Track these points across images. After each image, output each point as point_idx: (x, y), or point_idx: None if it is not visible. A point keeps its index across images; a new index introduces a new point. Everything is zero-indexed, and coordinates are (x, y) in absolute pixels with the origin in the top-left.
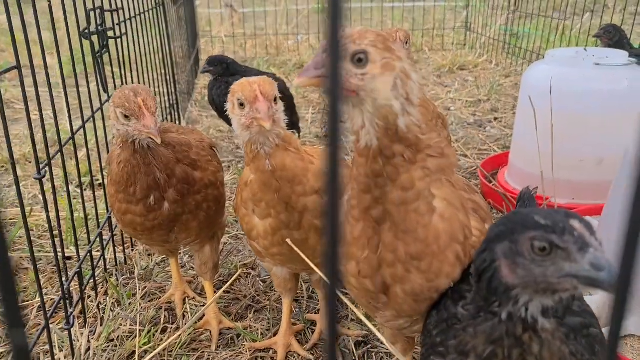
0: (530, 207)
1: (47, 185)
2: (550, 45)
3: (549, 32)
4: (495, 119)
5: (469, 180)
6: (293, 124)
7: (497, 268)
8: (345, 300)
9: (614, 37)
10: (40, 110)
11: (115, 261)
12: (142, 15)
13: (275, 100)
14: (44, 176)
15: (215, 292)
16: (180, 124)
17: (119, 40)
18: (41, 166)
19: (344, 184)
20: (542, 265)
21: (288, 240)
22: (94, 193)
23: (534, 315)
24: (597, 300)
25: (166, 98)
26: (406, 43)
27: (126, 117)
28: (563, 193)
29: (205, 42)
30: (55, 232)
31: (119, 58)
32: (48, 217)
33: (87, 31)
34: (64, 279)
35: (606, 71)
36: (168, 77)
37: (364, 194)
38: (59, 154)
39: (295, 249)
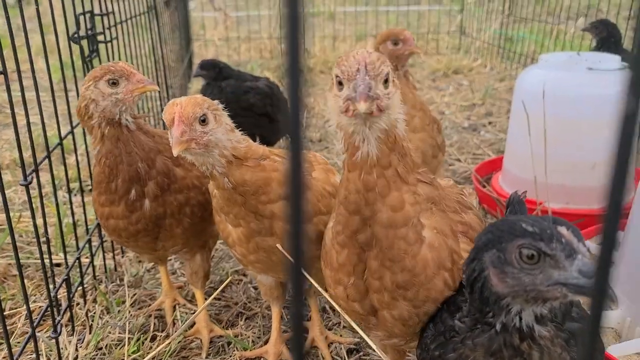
0: (519, 211)
1: (38, 191)
2: (544, 49)
3: (542, 36)
4: (490, 123)
5: (463, 186)
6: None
7: (486, 277)
8: (338, 308)
9: (601, 32)
10: (27, 116)
11: (105, 268)
12: (134, 19)
13: (204, 120)
14: (30, 183)
15: (205, 299)
16: None
17: (109, 44)
18: (28, 172)
19: (310, 186)
20: (531, 274)
21: (278, 245)
22: (82, 199)
23: (528, 323)
24: (617, 317)
25: (158, 102)
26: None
27: (114, 84)
28: (557, 198)
29: (199, 45)
30: (43, 239)
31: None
32: (34, 223)
33: (76, 35)
34: (51, 286)
35: (599, 76)
36: (160, 81)
37: (352, 215)
38: (47, 159)
39: (286, 254)
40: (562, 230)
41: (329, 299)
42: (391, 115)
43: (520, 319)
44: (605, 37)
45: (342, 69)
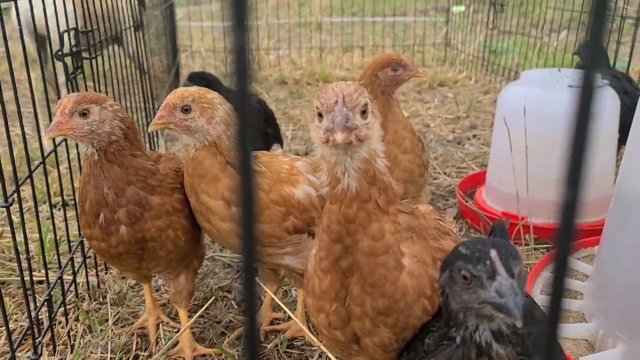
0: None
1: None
2: (528, 62)
3: (526, 49)
4: (474, 136)
5: (446, 200)
6: (276, 139)
7: (446, 294)
8: (315, 340)
9: None
10: (9, 136)
11: (88, 285)
12: (120, 35)
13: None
14: (11, 204)
15: (189, 317)
16: (158, 140)
17: (95, 60)
18: (9, 193)
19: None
20: (468, 293)
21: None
22: (65, 215)
23: (487, 340)
24: (590, 329)
25: (144, 114)
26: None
27: (84, 114)
28: (539, 213)
29: (185, 56)
30: (24, 257)
31: (93, 77)
32: (15, 243)
33: (60, 53)
34: (32, 305)
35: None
36: (146, 94)
37: (334, 243)
38: (29, 179)
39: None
40: (491, 252)
41: (312, 336)
42: (371, 145)
43: (480, 335)
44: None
45: (321, 102)
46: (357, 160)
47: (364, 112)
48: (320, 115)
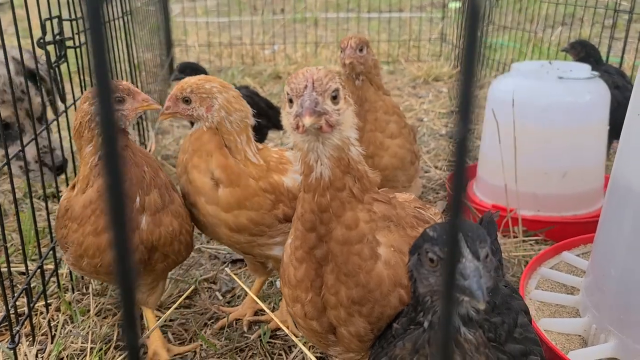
0: (489, 231)
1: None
2: (522, 57)
3: (521, 44)
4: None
5: (436, 193)
6: (269, 128)
7: (415, 279)
8: (288, 332)
9: (579, 53)
10: None
11: (70, 276)
12: (107, 24)
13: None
14: None
15: (169, 308)
16: (149, 134)
17: (79, 49)
18: None
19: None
20: (434, 276)
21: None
22: (47, 205)
23: (455, 324)
24: (583, 324)
25: None
26: (360, 50)
27: (120, 101)
28: (528, 205)
29: (180, 50)
30: (1, 245)
31: (78, 67)
32: None
33: (42, 41)
34: (9, 296)
35: (569, 84)
36: (137, 85)
37: (308, 232)
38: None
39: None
40: (459, 235)
41: (290, 333)
42: (343, 132)
43: None
44: (584, 57)
45: (291, 87)
46: (329, 147)
47: (335, 98)
48: (291, 101)
